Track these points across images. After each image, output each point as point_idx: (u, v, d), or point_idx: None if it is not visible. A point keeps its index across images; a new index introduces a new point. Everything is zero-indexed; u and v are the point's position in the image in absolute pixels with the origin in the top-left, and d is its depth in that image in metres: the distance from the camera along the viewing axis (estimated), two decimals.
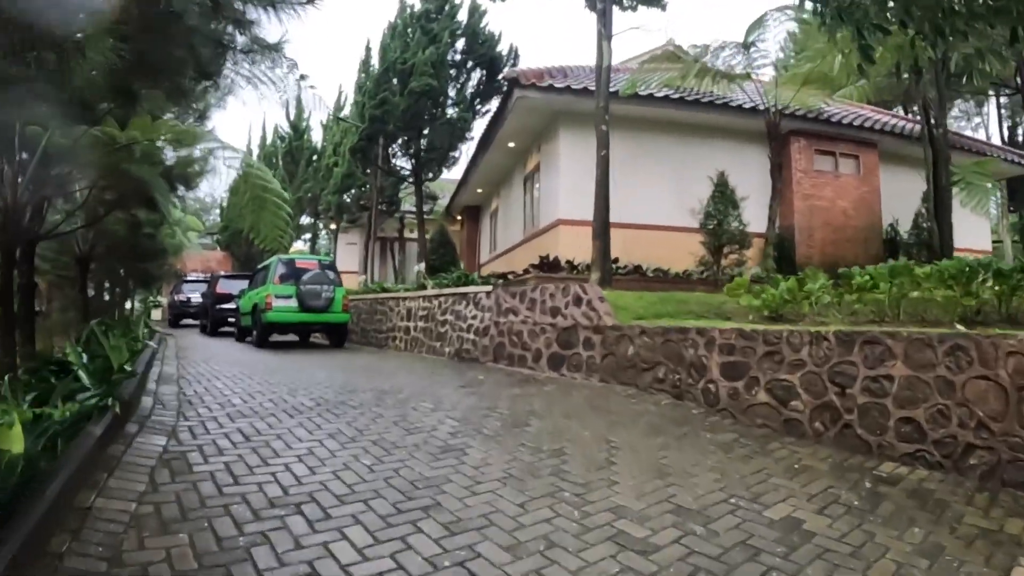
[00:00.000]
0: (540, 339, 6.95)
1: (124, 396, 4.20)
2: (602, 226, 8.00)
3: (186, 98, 3.82)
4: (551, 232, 10.93)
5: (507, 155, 13.46)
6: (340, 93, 22.96)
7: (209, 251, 29.59)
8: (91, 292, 14.53)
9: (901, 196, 13.16)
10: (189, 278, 25.36)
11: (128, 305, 24.10)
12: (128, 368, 6.31)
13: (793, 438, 4.10)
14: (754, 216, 10.28)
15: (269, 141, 26.18)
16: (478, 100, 12.91)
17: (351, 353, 10.11)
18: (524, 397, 5.39)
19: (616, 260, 9.83)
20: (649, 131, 11.16)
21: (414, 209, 21.95)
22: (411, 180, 14.21)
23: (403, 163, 15.69)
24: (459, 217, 21.16)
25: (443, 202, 20.80)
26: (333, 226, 22.52)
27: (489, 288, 8.00)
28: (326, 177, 19.80)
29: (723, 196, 9.46)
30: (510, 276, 11.57)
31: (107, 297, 16.88)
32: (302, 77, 4.30)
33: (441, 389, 5.70)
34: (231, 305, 14.76)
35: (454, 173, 18.22)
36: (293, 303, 10.55)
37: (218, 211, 31.01)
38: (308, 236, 26.35)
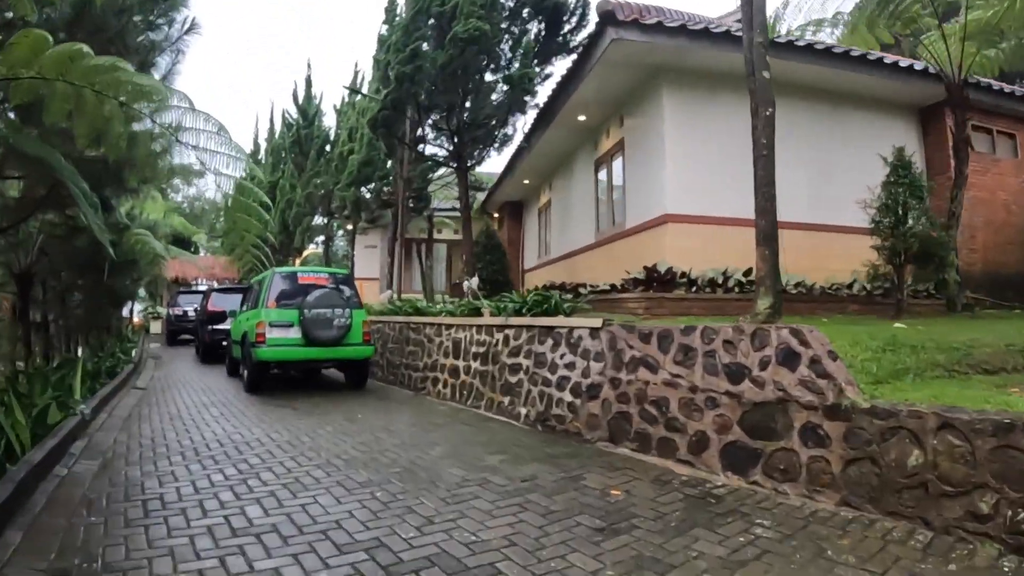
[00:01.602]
0: (706, 416, 4.03)
1: None
2: (770, 226, 4.98)
3: None
4: (652, 232, 7.96)
5: (572, 133, 10.47)
6: (356, 72, 20.02)
7: (223, 256, 26.98)
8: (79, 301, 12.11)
9: None
10: (194, 288, 22.80)
11: (128, 314, 21.64)
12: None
13: None
14: None
15: (278, 133, 23.41)
16: (535, 61, 9.88)
17: (375, 408, 7.15)
18: None
19: (748, 271, 7.01)
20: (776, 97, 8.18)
21: (444, 206, 18.97)
22: (453, 164, 11.01)
23: (435, 149, 12.71)
24: (497, 215, 18.30)
25: (479, 196, 17.84)
26: (350, 226, 19.59)
27: (596, 323, 5.07)
28: (340, 168, 16.84)
29: (907, 183, 6.40)
30: (581, 290, 8.69)
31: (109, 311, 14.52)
32: None
33: (573, 560, 2.76)
34: (226, 325, 12.02)
35: (490, 166, 15.30)
36: (295, 334, 7.68)
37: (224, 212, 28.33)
38: (321, 239, 23.39)
